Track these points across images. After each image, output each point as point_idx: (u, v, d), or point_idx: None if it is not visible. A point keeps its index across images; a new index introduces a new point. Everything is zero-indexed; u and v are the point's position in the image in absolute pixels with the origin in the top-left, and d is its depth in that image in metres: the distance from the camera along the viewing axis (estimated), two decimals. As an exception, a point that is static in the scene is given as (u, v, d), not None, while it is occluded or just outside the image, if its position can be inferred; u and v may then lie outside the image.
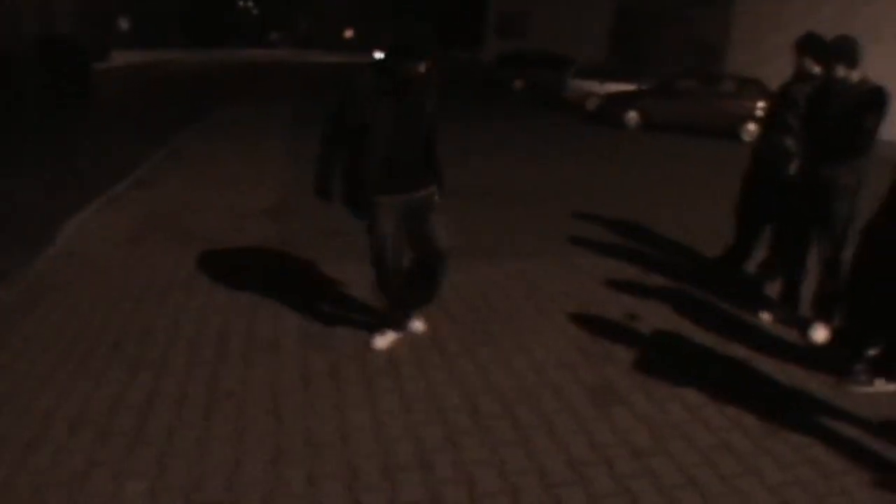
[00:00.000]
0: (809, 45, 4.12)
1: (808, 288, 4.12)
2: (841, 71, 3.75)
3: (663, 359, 3.64)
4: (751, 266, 4.84)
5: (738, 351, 3.72)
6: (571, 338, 3.83)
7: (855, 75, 3.76)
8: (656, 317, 4.13)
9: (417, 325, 3.84)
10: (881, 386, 3.33)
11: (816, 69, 4.11)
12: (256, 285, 4.45)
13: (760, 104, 11.57)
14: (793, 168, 4.09)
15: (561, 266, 5.00)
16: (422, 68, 3.27)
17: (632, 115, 13.27)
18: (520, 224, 6.19)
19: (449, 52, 34.11)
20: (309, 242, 5.39)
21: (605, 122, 13.51)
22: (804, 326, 3.97)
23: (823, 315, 3.90)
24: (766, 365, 3.57)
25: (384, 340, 3.67)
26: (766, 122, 4.50)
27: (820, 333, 3.86)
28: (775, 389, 3.36)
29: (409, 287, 3.64)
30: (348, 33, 55.48)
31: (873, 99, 3.66)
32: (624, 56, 20.36)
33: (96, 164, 8.55)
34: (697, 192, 7.56)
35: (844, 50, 3.75)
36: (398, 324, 3.73)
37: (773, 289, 4.43)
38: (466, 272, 4.78)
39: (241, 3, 63.37)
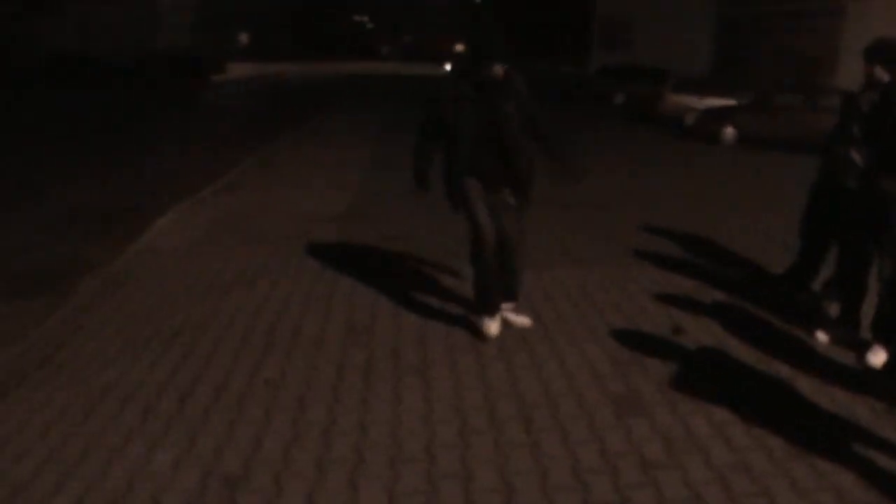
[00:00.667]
0: (879, 51, 3.90)
1: (872, 309, 3.89)
2: (906, 78, 3.55)
3: (699, 373, 3.54)
4: (818, 284, 4.61)
5: (782, 370, 3.56)
6: (609, 348, 3.80)
7: (921, 83, 3.55)
8: (703, 332, 4.02)
9: (523, 319, 4.04)
10: (936, 417, 3.10)
11: (887, 77, 3.89)
12: (310, 284, 4.69)
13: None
14: (854, 181, 3.88)
15: (617, 277, 4.94)
16: (495, 71, 3.46)
17: (728, 131, 12.76)
18: (589, 233, 6.15)
19: (557, 66, 34.14)
20: (368, 246, 5.60)
21: (702, 137, 13.08)
22: (863, 349, 3.75)
23: (883, 337, 3.67)
24: (810, 386, 3.40)
25: (492, 326, 3.88)
26: (832, 134, 4.28)
27: (878, 357, 3.63)
28: (813, 412, 3.19)
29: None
30: (458, 47, 56.72)
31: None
32: (728, 69, 19.60)
33: (194, 168, 9.20)
34: (778, 209, 7.21)
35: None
36: (490, 309, 3.89)
37: (837, 309, 4.20)
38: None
39: (356, 18, 65.94)
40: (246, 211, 6.79)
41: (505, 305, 4.00)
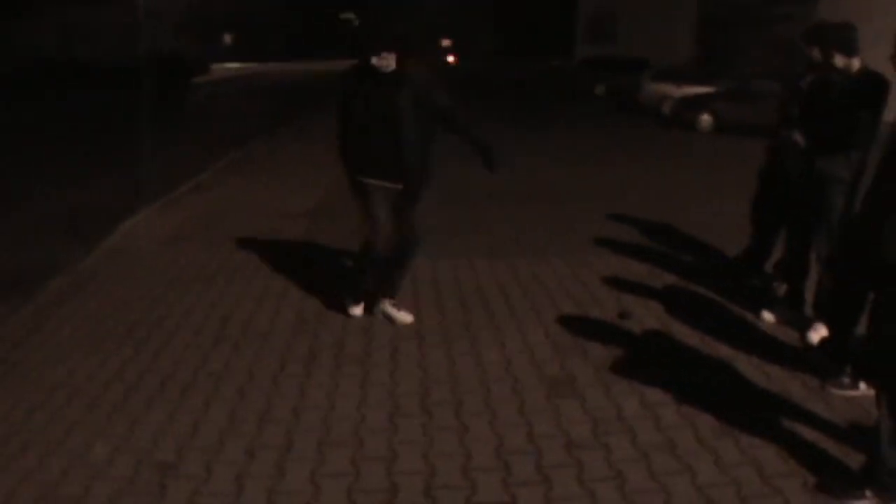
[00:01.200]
0: (814, 35, 3.94)
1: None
2: (839, 60, 3.60)
3: (639, 357, 3.59)
4: (769, 266, 4.66)
5: (724, 351, 3.61)
6: (552, 333, 3.84)
7: (855, 64, 3.59)
8: (651, 316, 4.07)
9: (405, 315, 4.02)
10: (866, 390, 3.15)
11: (821, 59, 3.93)
12: (268, 279, 4.75)
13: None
14: (795, 163, 3.93)
15: (573, 265, 4.98)
16: (384, 63, 3.50)
17: (704, 118, 12.82)
18: (552, 224, 6.19)
19: (544, 60, 34.14)
20: (330, 241, 5.64)
21: (679, 125, 13.13)
22: (806, 328, 3.80)
23: (823, 315, 3.72)
24: (749, 366, 3.45)
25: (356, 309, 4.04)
26: (777, 117, 4.33)
27: (818, 334, 3.68)
28: (748, 391, 3.25)
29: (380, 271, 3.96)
30: (445, 42, 56.67)
31: (871, 88, 3.48)
32: (709, 58, 19.65)
33: (169, 168, 9.21)
34: (746, 195, 7.21)
35: (841, 38, 3.59)
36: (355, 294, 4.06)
37: (785, 290, 4.26)
38: (473, 269, 4.91)
39: (342, 16, 65.68)
40: (216, 209, 6.84)
41: (387, 301, 4.05)
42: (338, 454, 2.73)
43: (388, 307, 4.02)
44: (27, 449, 2.81)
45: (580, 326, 3.93)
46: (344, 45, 57.37)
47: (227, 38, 43.37)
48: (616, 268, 4.97)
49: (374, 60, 3.53)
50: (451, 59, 49.86)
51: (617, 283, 4.62)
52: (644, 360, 3.55)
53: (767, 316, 3.99)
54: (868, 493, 2.43)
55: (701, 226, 6.02)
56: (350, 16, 64.19)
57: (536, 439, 2.82)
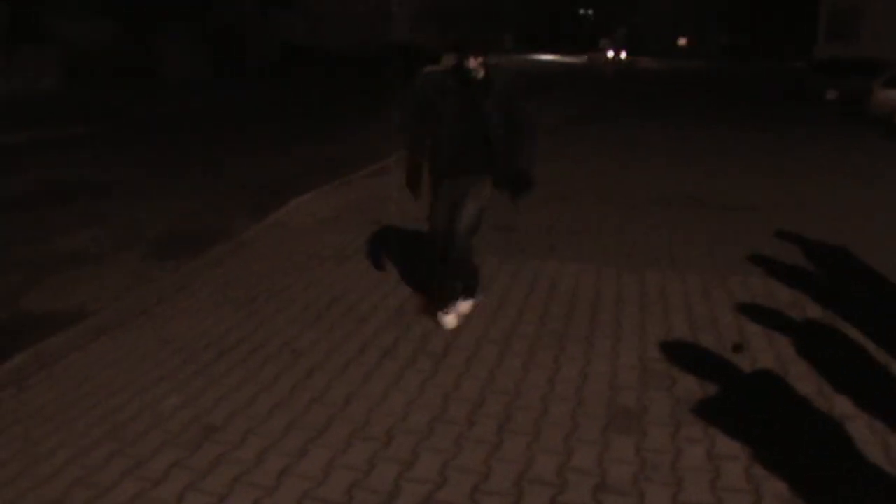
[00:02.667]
0: None
1: None
2: None
3: (732, 398, 3.06)
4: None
5: (842, 408, 2.95)
6: (648, 357, 3.43)
7: None
8: (771, 353, 3.45)
9: (449, 319, 3.85)
10: None
11: None
12: (394, 266, 4.82)
13: None
14: None
15: (709, 283, 4.41)
16: (471, 66, 3.39)
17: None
18: (712, 235, 5.54)
19: (782, 61, 30.84)
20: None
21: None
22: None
23: None
24: (867, 431, 2.78)
25: (446, 318, 3.86)
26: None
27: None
28: (851, 461, 2.61)
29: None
30: (682, 41, 53.70)
31: None
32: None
33: (363, 151, 9.78)
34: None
35: None
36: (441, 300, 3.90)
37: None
38: (597, 276, 4.58)
39: (581, 12, 64.93)
40: (383, 194, 7.10)
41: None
42: (359, 449, 2.69)
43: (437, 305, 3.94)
44: (117, 392, 3.17)
45: (683, 353, 3.47)
46: (579, 40, 56.77)
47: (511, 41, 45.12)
48: (758, 291, 4.30)
49: (471, 64, 3.45)
50: (622, 55, 47.52)
51: (750, 310, 3.99)
52: (738, 403, 3.03)
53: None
54: None
55: (885, 259, 4.97)
56: (588, 12, 63.31)
57: (567, 472, 2.54)
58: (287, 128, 12.81)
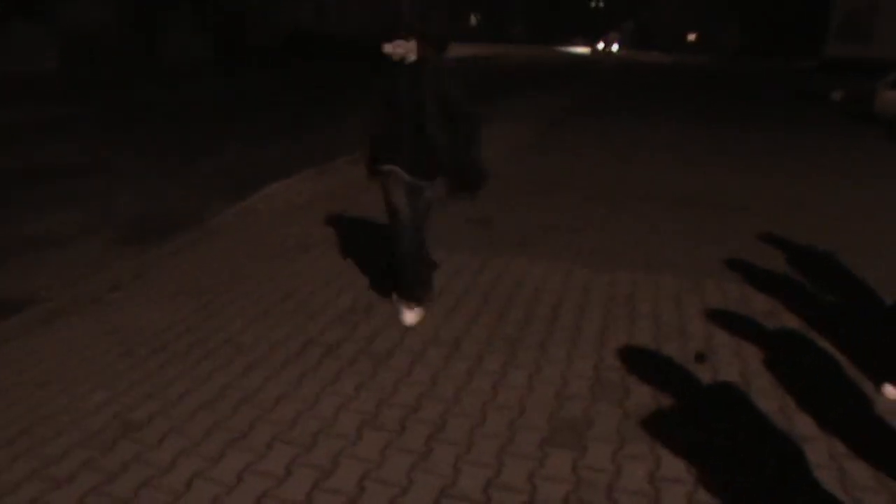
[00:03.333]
0: None
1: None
2: None
3: (686, 413, 2.88)
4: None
5: (805, 428, 2.76)
6: (605, 365, 3.26)
7: None
8: (736, 366, 3.26)
9: (409, 315, 3.70)
10: None
11: None
12: (359, 258, 4.66)
13: None
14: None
15: (684, 287, 4.22)
16: (406, 48, 3.23)
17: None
18: (697, 235, 5.33)
19: (789, 61, 30.30)
20: (449, 227, 5.41)
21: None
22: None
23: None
24: (826, 456, 2.59)
25: (408, 314, 3.71)
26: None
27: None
28: (805, 490, 2.44)
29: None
30: (691, 37, 53.59)
31: None
32: None
33: (349, 139, 9.60)
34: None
35: None
36: (405, 294, 3.74)
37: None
38: (567, 277, 4.39)
39: (592, 4, 64.07)
40: (359, 182, 6.92)
41: (396, 294, 3.80)
42: (279, 453, 2.54)
43: (397, 299, 3.79)
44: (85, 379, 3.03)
45: (641, 362, 3.28)
46: (587, 32, 56.12)
47: (474, 19, 44.50)
48: (733, 297, 4.11)
49: (405, 46, 3.26)
50: (614, 47, 48.25)
51: (722, 317, 3.80)
52: (691, 419, 2.85)
53: (890, 392, 3.00)
54: None
55: (876, 265, 4.75)
56: (599, 4, 62.57)
57: (492, 489, 2.37)
58: (282, 115, 12.63)
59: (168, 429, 2.71)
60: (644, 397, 2.98)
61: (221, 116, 12.45)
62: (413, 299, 3.69)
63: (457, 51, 27.74)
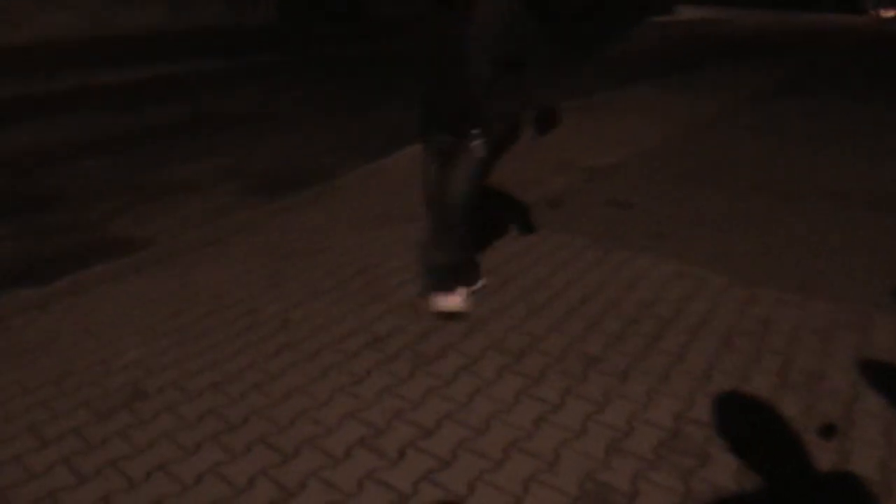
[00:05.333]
0: None
1: None
2: None
3: (783, 497, 2.09)
4: None
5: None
6: (687, 417, 2.51)
7: None
8: (876, 451, 2.34)
9: (442, 301, 3.20)
10: None
11: None
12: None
13: None
14: None
15: (838, 319, 3.21)
16: None
17: None
18: (878, 253, 4.12)
19: None
20: (586, 206, 4.76)
21: None
22: None
23: None
24: None
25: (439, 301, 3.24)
26: None
27: None
28: None
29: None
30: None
31: None
32: None
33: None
34: None
35: None
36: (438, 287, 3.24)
37: None
38: (700, 288, 3.57)
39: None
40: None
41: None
42: (253, 458, 2.23)
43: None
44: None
45: (743, 419, 2.49)
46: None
47: None
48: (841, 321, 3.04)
49: None
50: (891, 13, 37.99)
51: (880, 373, 2.80)
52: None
53: None
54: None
55: None
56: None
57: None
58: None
59: (165, 406, 2.54)
60: (725, 473, 2.22)
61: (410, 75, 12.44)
62: (444, 281, 3.19)
63: (684, 14, 25.68)
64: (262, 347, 2.95)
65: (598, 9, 24.06)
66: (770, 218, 4.69)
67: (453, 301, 3.19)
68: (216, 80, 10.65)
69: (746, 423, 2.48)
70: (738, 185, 5.41)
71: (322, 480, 2.16)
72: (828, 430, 2.42)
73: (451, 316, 3.18)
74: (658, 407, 2.56)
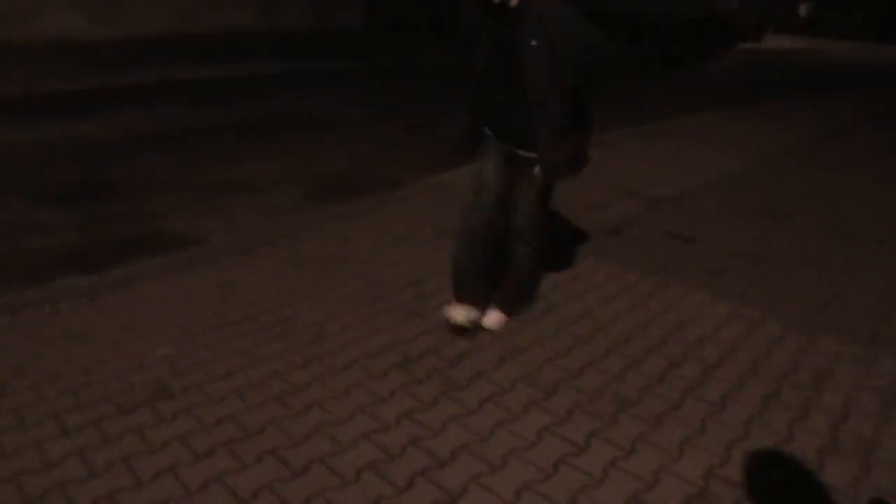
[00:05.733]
0: None
1: None
2: None
3: None
4: None
5: None
6: (720, 473, 2.33)
7: None
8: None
9: (492, 317, 3.18)
10: None
11: None
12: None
13: None
14: None
15: (858, 357, 2.95)
16: None
17: None
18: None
19: None
20: (647, 240, 4.59)
21: None
22: None
23: None
24: None
25: (456, 312, 3.14)
26: None
27: None
28: None
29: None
30: None
31: None
32: None
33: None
34: None
35: None
36: (459, 297, 3.15)
37: None
38: (748, 329, 3.35)
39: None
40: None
41: (491, 312, 3.17)
42: (257, 472, 2.20)
43: (488, 320, 3.22)
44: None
45: (778, 484, 2.29)
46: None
47: (803, 10, 38.37)
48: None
49: None
50: None
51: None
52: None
53: None
54: None
55: None
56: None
57: None
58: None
59: (186, 407, 2.54)
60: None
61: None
62: (477, 300, 3.13)
63: (773, 42, 24.60)
64: (290, 357, 2.93)
65: (697, 31, 23.32)
66: (843, 261, 4.39)
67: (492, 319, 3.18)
68: (294, 82, 10.89)
69: (783, 489, 2.28)
70: (812, 224, 5.10)
71: (326, 502, 2.11)
72: (878, 507, 2.20)
73: (464, 330, 3.12)
74: (689, 459, 2.39)
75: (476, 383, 2.81)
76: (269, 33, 16.56)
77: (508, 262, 3.14)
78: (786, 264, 4.28)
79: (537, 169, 2.75)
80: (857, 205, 5.76)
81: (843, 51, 28.47)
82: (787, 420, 2.65)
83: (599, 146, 7.05)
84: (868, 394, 2.86)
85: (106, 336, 3.03)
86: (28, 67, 10.33)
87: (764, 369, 3.02)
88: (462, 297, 3.13)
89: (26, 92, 8.68)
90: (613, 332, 3.29)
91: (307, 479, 2.20)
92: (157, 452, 2.29)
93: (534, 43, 2.51)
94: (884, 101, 13.19)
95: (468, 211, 3.05)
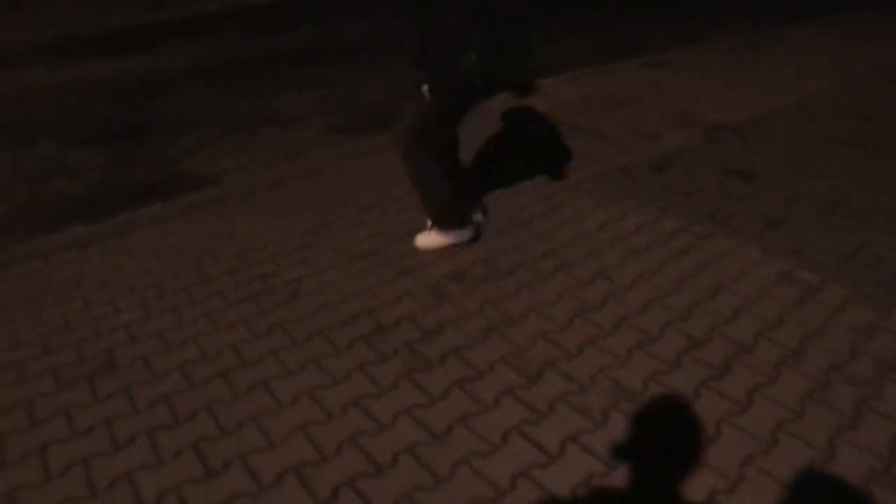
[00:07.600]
0: None
1: None
2: None
3: None
4: None
5: None
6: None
7: None
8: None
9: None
10: None
11: None
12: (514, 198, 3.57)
13: None
14: None
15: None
16: None
17: None
18: None
19: None
20: (701, 180, 3.89)
21: None
22: None
23: None
24: None
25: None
26: None
27: None
28: None
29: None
30: None
31: None
32: None
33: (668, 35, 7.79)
34: None
35: None
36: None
37: None
38: (798, 299, 2.70)
39: None
40: (623, 90, 5.44)
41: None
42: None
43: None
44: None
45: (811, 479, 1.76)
46: None
47: None
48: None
49: None
50: None
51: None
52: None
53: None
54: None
55: None
56: None
57: None
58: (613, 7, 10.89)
59: (125, 385, 2.28)
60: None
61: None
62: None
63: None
64: (254, 323, 2.60)
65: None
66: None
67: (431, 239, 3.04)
68: (346, 4, 10.30)
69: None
70: (908, 161, 4.16)
71: (232, 514, 1.79)
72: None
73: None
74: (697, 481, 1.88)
75: (448, 362, 2.37)
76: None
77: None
78: (864, 214, 3.46)
79: (424, 87, 2.56)
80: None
81: None
82: (834, 424, 2.04)
83: (664, 66, 6.16)
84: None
85: (80, 295, 2.82)
86: (96, 2, 10.26)
87: (812, 349, 2.38)
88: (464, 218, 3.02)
89: (93, 27, 8.60)
90: (631, 303, 2.71)
91: (221, 483, 1.88)
92: (76, 439, 2.05)
93: None
94: None
95: None
